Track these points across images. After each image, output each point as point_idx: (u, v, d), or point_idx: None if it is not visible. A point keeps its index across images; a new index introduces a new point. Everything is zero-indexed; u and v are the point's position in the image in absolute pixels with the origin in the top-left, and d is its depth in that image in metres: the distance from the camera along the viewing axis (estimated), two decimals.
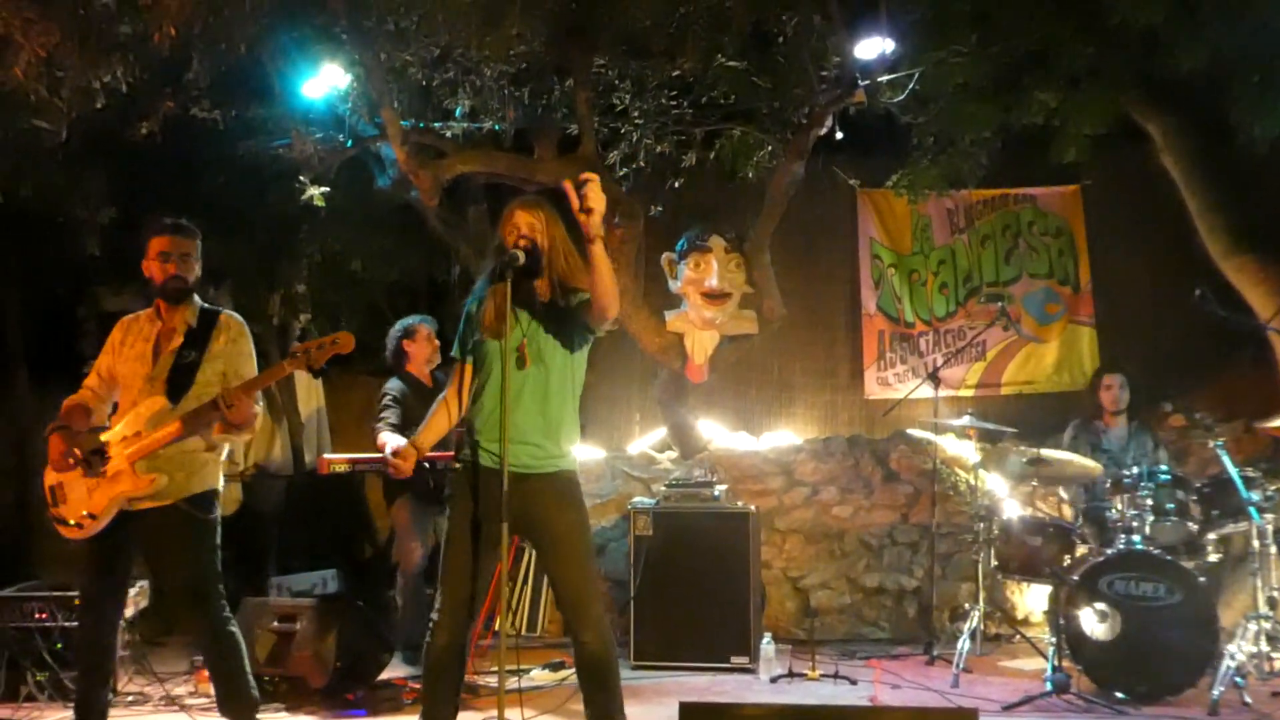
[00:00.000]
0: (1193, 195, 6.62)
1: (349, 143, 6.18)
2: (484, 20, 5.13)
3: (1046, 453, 5.47)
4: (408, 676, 5.16)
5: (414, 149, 5.89)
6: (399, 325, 5.51)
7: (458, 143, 6.31)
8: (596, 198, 3.20)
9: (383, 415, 5.20)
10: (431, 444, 3.65)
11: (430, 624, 3.45)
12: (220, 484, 3.92)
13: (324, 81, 5.79)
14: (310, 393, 7.62)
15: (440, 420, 3.62)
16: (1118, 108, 6.50)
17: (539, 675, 5.44)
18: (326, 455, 4.98)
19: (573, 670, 5.37)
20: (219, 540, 3.84)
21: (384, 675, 5.18)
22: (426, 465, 4.88)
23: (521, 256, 3.40)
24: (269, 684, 4.76)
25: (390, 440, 4.97)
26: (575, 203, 3.21)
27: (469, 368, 3.55)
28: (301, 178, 6.02)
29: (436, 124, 6.23)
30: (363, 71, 5.58)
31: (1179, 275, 6.08)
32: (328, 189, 6.11)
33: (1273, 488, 5.08)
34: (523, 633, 6.66)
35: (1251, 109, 6.09)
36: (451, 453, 4.85)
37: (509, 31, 5.13)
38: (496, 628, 4.96)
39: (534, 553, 6.51)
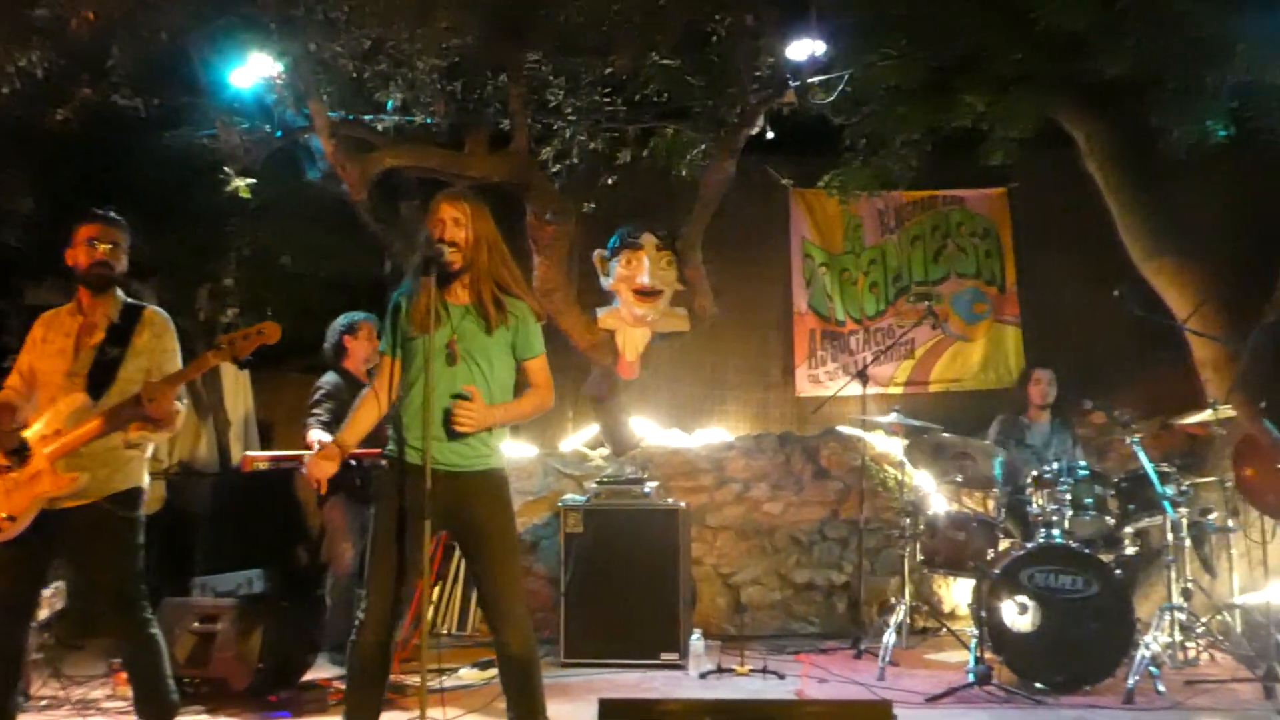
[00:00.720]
0: (1115, 199, 6.78)
1: (278, 134, 6.08)
2: (415, 13, 5.07)
3: (972, 447, 5.59)
4: (333, 677, 5.09)
5: (343, 142, 5.81)
6: (342, 319, 5.43)
7: (389, 136, 6.24)
8: (466, 422, 3.33)
9: (314, 411, 5.13)
10: (357, 441, 3.59)
11: (356, 623, 3.40)
12: (145, 482, 3.82)
13: (251, 71, 5.67)
14: (238, 390, 7.48)
15: (366, 416, 3.57)
16: (1044, 112, 6.64)
17: (467, 674, 5.41)
18: (249, 453, 4.89)
19: None
20: (142, 540, 3.75)
21: (310, 676, 5.11)
22: (354, 464, 4.84)
23: (448, 252, 3.38)
24: (189, 686, 4.67)
25: (319, 437, 4.93)
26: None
27: (397, 364, 3.50)
28: (226, 169, 5.90)
29: (367, 117, 6.15)
30: (291, 62, 5.48)
31: (1101, 277, 6.21)
32: (254, 180, 6.00)
33: (1187, 483, 5.23)
34: (453, 631, 6.62)
35: (1172, 115, 6.25)
36: (379, 450, 4.85)
37: (440, 25, 5.08)
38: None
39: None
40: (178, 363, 3.85)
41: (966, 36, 6.15)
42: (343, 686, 4.60)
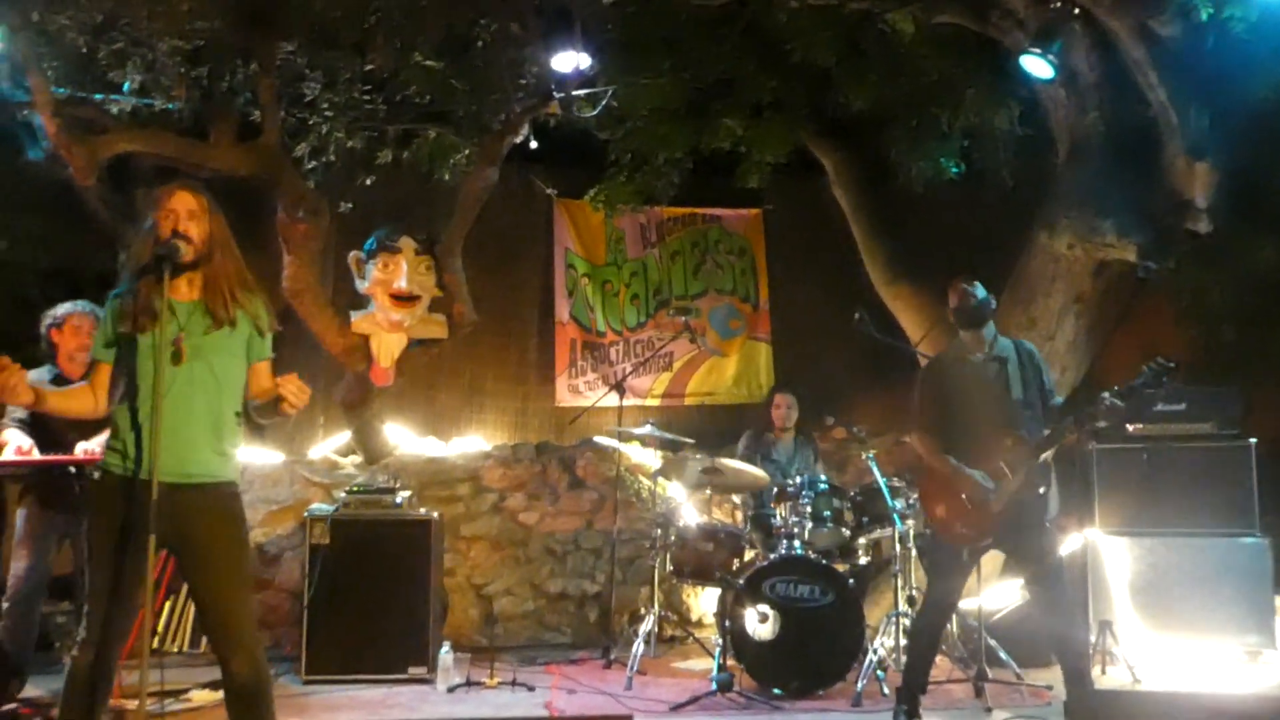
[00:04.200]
0: (858, 226, 7.20)
1: None
2: None
3: (721, 462, 5.77)
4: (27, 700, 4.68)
5: (68, 122, 5.33)
6: (49, 313, 5.03)
7: (123, 120, 5.78)
8: (299, 398, 3.25)
9: (9, 410, 4.75)
10: (55, 406, 3.26)
11: (76, 642, 3.15)
12: None
13: None
14: None
15: (77, 399, 3.26)
16: (796, 139, 6.96)
17: (198, 696, 5.08)
18: None
19: None
20: None
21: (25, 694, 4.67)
22: (56, 471, 4.50)
23: (183, 249, 3.16)
24: None
25: (12, 439, 4.60)
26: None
27: (106, 369, 3.23)
28: None
29: (98, 96, 5.67)
30: (6, 30, 4.98)
31: (846, 299, 6.53)
32: None
33: (914, 496, 5.58)
34: (184, 649, 6.19)
35: (909, 151, 6.70)
36: (73, 455, 4.51)
37: (180, 5, 4.74)
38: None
39: None
40: None
41: (725, 63, 6.36)
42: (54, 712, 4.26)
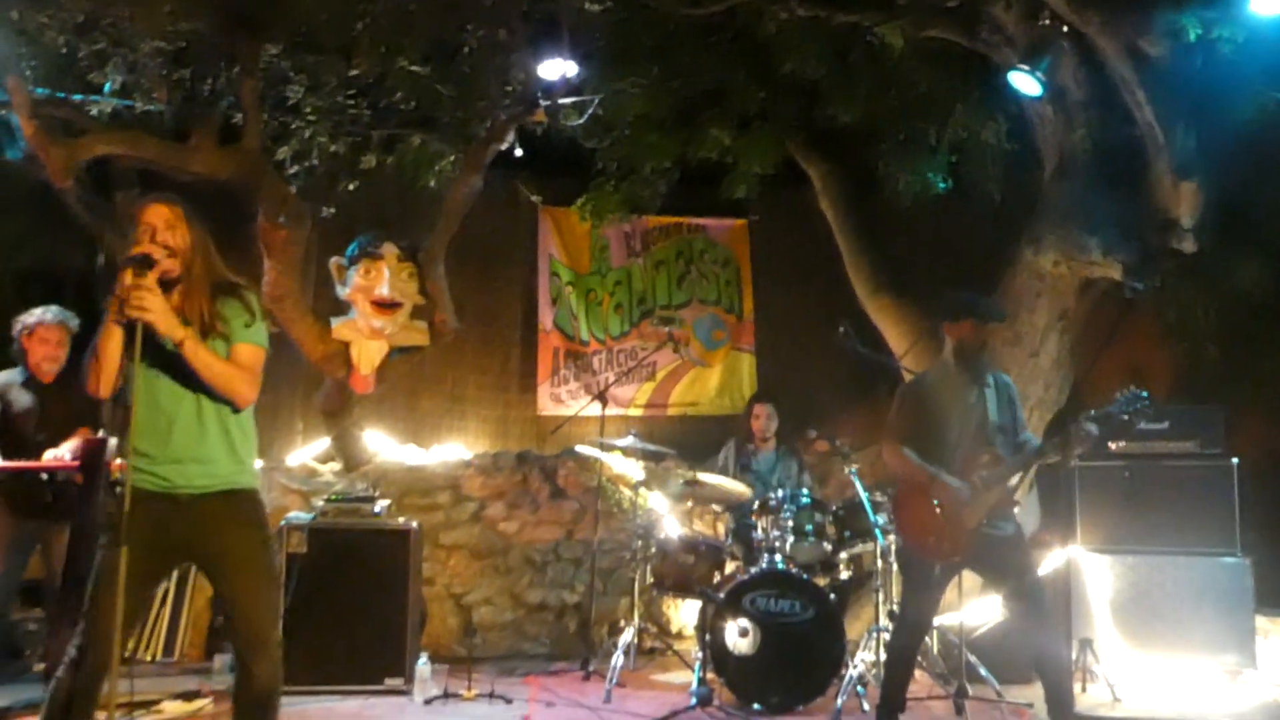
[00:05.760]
0: (844, 238, 7.17)
1: None
2: None
3: (702, 475, 5.74)
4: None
5: (47, 123, 5.27)
6: (21, 318, 5.00)
7: (103, 121, 5.71)
8: (144, 305, 2.98)
9: None
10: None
11: (69, 658, 3.07)
12: None
13: None
14: None
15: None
16: (783, 150, 6.94)
17: (170, 707, 5.00)
18: None
19: (207, 700, 5.03)
20: None
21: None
22: (27, 477, 4.46)
23: (161, 255, 3.10)
24: None
25: None
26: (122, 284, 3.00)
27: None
28: None
29: (79, 97, 5.60)
30: None
31: (831, 311, 6.51)
32: None
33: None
34: (158, 658, 6.14)
35: (896, 164, 6.69)
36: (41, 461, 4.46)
37: (162, 7, 4.68)
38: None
39: (177, 572, 6.05)
40: None
41: (713, 72, 6.34)
42: None
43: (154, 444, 3.14)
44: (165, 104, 5.64)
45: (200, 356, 3.10)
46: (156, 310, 3.00)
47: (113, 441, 4.54)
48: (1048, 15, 5.45)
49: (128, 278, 3.01)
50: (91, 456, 4.46)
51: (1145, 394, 4.13)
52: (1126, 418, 4.15)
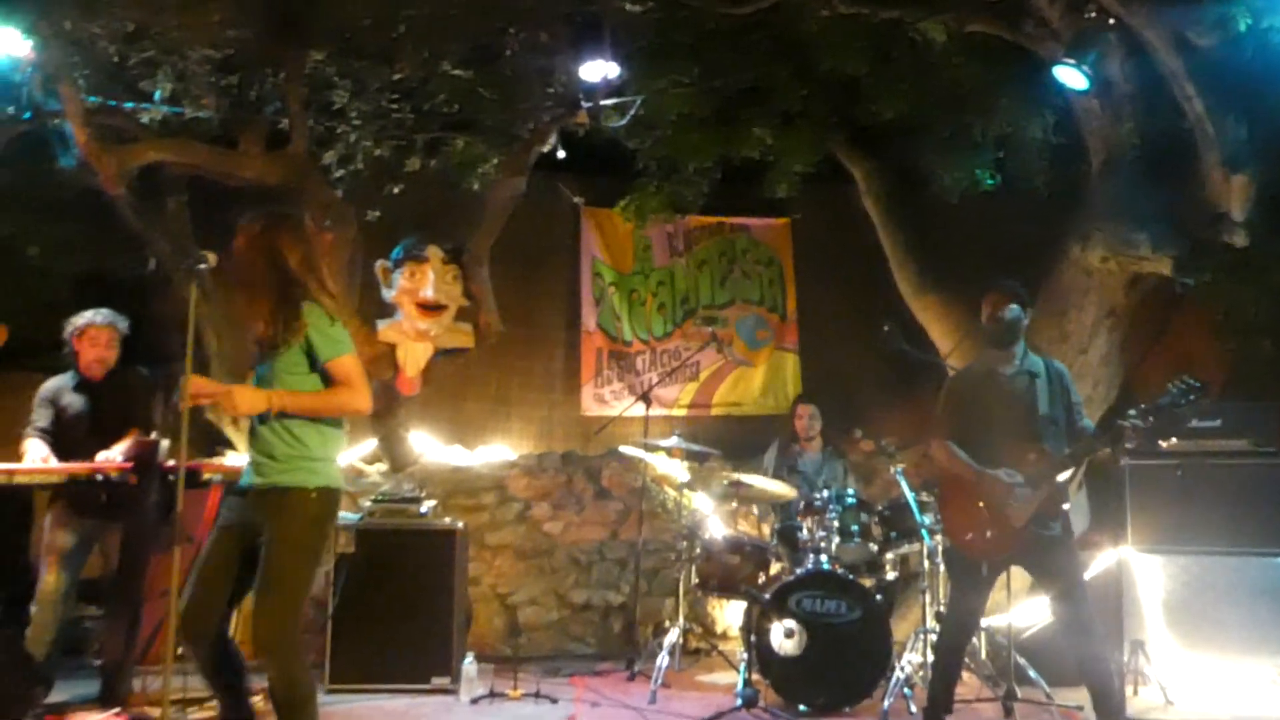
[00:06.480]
0: (888, 236, 7.12)
1: (25, 115, 5.55)
2: (182, 2, 4.72)
3: (744, 477, 5.72)
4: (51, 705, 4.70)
5: (99, 131, 5.37)
6: (72, 320, 5.08)
7: (153, 128, 5.81)
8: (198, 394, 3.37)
9: (32, 418, 4.84)
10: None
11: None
12: None
13: None
14: None
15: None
16: (825, 148, 6.91)
17: None
18: None
19: (258, 698, 5.09)
20: None
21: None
22: (82, 479, 4.54)
23: (212, 259, 3.26)
24: None
25: (32, 449, 4.69)
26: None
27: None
28: None
29: (130, 105, 5.70)
30: (41, 40, 5.01)
31: (874, 309, 6.49)
32: None
33: None
34: None
35: (942, 161, 6.63)
36: (129, 463, 4.54)
37: (211, 16, 4.76)
38: None
39: None
40: None
41: (754, 71, 6.32)
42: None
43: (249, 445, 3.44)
44: (214, 111, 5.72)
45: (301, 405, 3.34)
46: (240, 407, 3.31)
47: (164, 443, 4.62)
48: (1093, 8, 5.37)
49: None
50: (144, 458, 4.55)
51: (1199, 383, 4.03)
52: (1179, 409, 4.06)
